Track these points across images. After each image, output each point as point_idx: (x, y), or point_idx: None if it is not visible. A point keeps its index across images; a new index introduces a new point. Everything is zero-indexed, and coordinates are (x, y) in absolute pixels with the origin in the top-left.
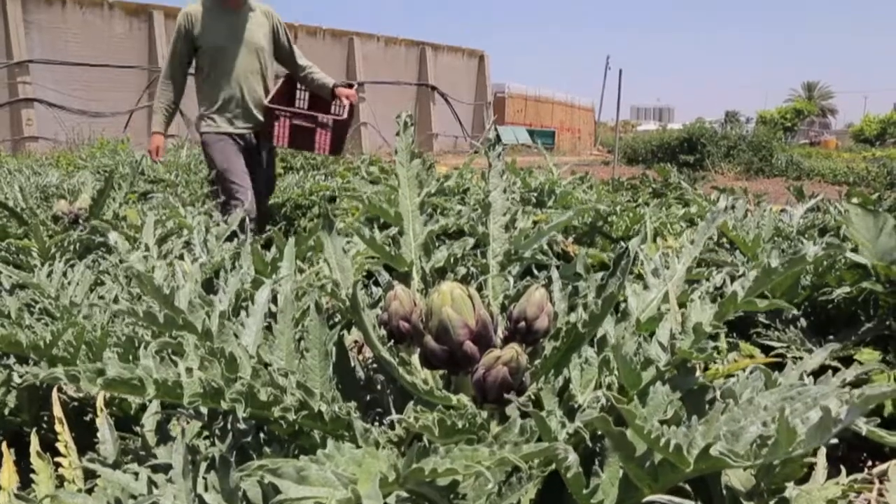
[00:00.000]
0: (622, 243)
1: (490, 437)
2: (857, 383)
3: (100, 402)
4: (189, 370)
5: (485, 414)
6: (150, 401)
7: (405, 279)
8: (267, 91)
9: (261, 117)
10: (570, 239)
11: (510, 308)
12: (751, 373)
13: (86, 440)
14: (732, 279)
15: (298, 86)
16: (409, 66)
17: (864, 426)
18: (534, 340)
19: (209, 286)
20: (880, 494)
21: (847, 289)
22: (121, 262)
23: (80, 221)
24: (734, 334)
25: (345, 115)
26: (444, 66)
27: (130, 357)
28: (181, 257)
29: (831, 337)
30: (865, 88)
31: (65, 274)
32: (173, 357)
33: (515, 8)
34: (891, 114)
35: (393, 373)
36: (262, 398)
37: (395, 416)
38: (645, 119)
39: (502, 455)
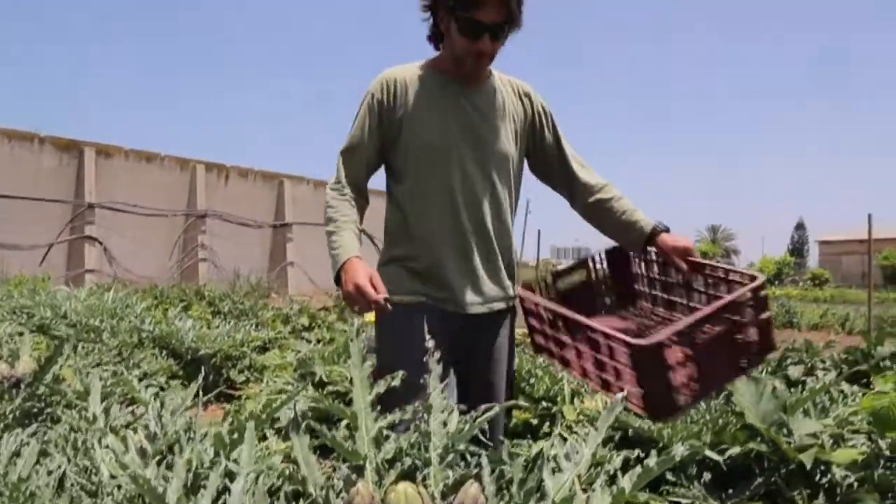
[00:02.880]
0: (543, 403)
1: None
2: None
3: None
4: None
5: None
6: None
7: (359, 470)
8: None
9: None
10: None
11: (450, 498)
12: None
13: None
14: (626, 464)
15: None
16: None
17: None
18: None
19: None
20: None
21: (738, 448)
22: (70, 432)
23: (22, 387)
24: (646, 489)
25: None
26: (371, 210)
27: None
28: (127, 425)
29: (731, 491)
30: (762, 229)
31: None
32: None
33: None
34: (784, 256)
35: None
36: None
37: None
38: (564, 258)
39: None
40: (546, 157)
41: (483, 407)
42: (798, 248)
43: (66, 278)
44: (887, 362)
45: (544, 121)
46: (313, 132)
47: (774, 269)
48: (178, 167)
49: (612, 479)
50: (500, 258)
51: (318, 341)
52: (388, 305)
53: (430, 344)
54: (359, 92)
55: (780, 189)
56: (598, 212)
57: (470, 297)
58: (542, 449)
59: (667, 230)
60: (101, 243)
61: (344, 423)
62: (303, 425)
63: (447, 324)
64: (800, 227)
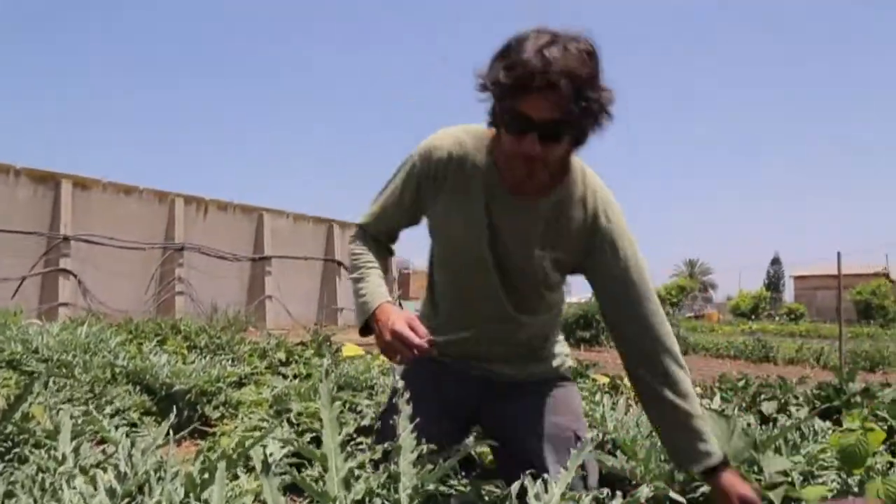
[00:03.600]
0: None
1: None
2: None
3: None
4: None
5: None
6: None
7: None
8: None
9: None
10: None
11: None
12: None
13: None
14: (598, 502)
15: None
16: (317, 241)
17: None
18: None
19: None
20: None
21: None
22: (38, 472)
23: None
24: None
25: None
26: None
27: None
28: (98, 464)
29: None
30: (739, 264)
31: None
32: None
33: None
34: (761, 290)
35: None
36: None
37: None
38: None
39: None
40: (608, 299)
41: (455, 447)
42: (774, 283)
43: (39, 311)
44: (858, 398)
45: (608, 261)
46: (293, 165)
47: (751, 303)
48: (156, 200)
49: None
50: (523, 360)
51: (295, 376)
52: (434, 349)
53: (400, 385)
54: (341, 128)
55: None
56: (661, 402)
57: (487, 370)
58: (510, 490)
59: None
60: (75, 276)
61: None
62: (272, 466)
63: (469, 384)
64: (775, 261)
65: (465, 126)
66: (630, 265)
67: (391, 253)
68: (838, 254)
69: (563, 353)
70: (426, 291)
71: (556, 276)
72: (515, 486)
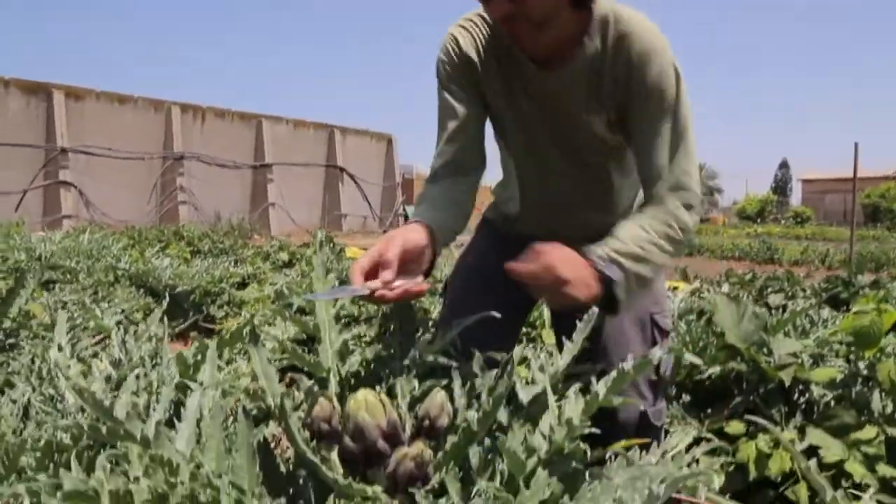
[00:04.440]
0: (522, 328)
1: None
2: (731, 451)
3: None
4: (136, 478)
5: (396, 503)
6: None
7: (324, 382)
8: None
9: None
10: None
11: (416, 408)
12: (614, 456)
13: None
14: (601, 374)
15: None
16: (318, 148)
17: (702, 494)
18: (436, 436)
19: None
20: None
21: (718, 368)
22: (32, 361)
23: None
24: None
25: None
26: (353, 149)
27: (48, 462)
28: (95, 355)
29: (709, 410)
30: (746, 169)
31: None
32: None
33: (423, 92)
34: (767, 194)
35: (315, 470)
36: (203, 500)
37: None
38: None
39: None
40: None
41: (456, 322)
42: (781, 187)
43: (43, 224)
44: (867, 290)
45: (641, 103)
46: (291, 70)
47: (758, 206)
48: (151, 109)
49: (586, 390)
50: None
51: (301, 275)
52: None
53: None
54: (334, 23)
55: (765, 129)
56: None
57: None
58: (510, 355)
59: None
60: (76, 188)
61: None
62: (261, 337)
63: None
64: (783, 166)
65: (475, 11)
66: (670, 103)
67: (471, 185)
68: (855, 144)
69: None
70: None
71: (616, 139)
72: (518, 352)
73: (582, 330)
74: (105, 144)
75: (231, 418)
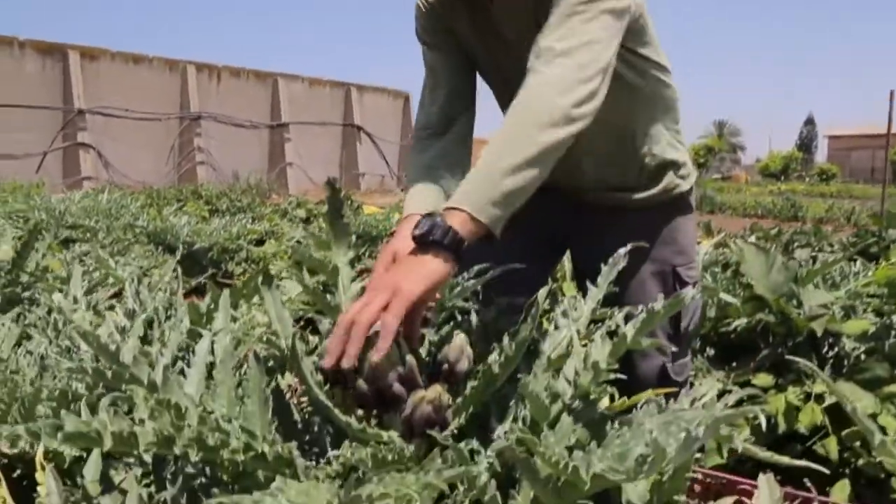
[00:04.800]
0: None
1: (417, 467)
2: (755, 403)
3: (39, 457)
4: (141, 421)
5: (412, 448)
6: (104, 452)
7: None
8: None
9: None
10: None
11: (435, 352)
12: (645, 404)
13: (17, 498)
14: (628, 318)
15: None
16: (335, 106)
17: (739, 444)
18: (456, 381)
19: (143, 337)
20: None
21: (745, 320)
22: (48, 313)
23: (2, 274)
24: None
25: None
26: (370, 107)
27: (65, 411)
28: (111, 308)
29: (734, 364)
30: (770, 126)
31: None
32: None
33: None
34: (792, 151)
35: (329, 415)
36: (210, 443)
37: (332, 453)
38: None
39: (427, 480)
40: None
41: (477, 268)
42: (806, 144)
43: (64, 186)
44: None
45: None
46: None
47: (782, 163)
48: (167, 68)
49: (613, 334)
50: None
51: (320, 230)
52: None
53: None
54: None
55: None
56: None
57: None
58: (535, 297)
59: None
60: (95, 149)
61: None
62: (274, 279)
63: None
64: (809, 122)
65: None
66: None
67: (461, 133)
68: (891, 92)
69: (672, 173)
70: None
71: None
72: (542, 294)
73: (607, 274)
74: (121, 105)
75: (245, 366)
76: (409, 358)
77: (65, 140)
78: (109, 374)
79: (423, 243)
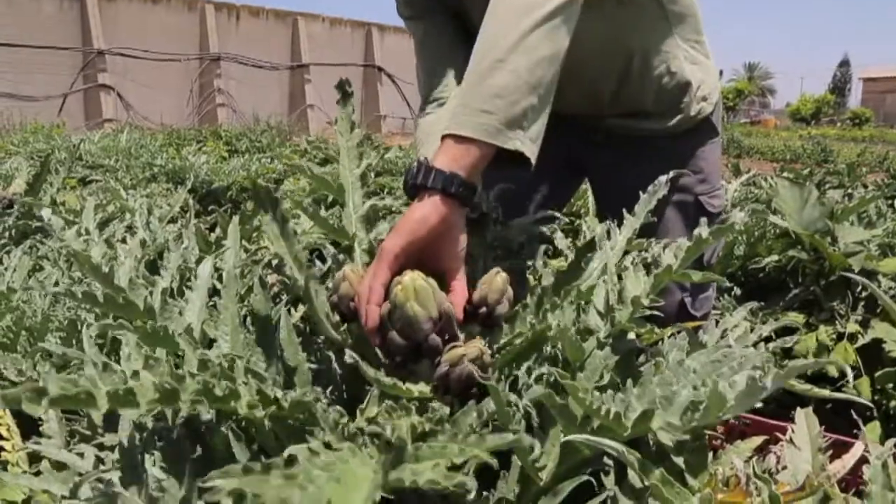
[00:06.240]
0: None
1: (448, 425)
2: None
3: None
4: (136, 373)
5: (447, 409)
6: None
7: (349, 252)
8: None
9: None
10: None
11: (471, 292)
12: (677, 333)
13: (24, 427)
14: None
15: None
16: (356, 46)
17: (770, 381)
18: (493, 325)
19: (153, 268)
20: (790, 441)
21: (776, 257)
22: (64, 248)
23: (15, 207)
24: None
25: None
26: (391, 48)
27: (74, 341)
28: (123, 241)
29: (763, 303)
30: (802, 70)
31: (0, 261)
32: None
33: None
34: (825, 94)
35: (348, 362)
36: (218, 394)
37: (363, 417)
38: None
39: (471, 452)
40: None
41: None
42: (840, 87)
43: (86, 128)
44: None
45: None
46: None
47: (813, 107)
48: (185, 7)
49: (648, 266)
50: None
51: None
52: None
53: None
54: None
55: (826, 26)
56: None
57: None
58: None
59: None
60: (115, 91)
61: None
62: (279, 200)
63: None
64: (843, 63)
65: None
66: None
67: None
68: None
69: (694, 95)
70: None
71: None
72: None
73: (646, 202)
74: (140, 46)
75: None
76: (446, 305)
77: (85, 82)
78: (101, 297)
79: (410, 190)
